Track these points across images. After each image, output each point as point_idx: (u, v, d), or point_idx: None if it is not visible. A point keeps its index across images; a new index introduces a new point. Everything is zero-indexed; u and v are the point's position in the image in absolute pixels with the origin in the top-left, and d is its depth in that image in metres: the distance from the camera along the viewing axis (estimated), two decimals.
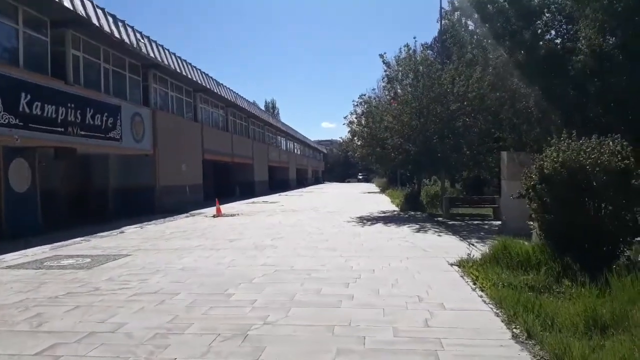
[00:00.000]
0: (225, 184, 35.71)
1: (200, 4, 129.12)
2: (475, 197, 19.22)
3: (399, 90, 18.86)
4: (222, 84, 29.86)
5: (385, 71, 18.68)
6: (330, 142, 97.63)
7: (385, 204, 24.98)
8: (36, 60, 13.60)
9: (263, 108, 68.40)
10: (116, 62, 18.03)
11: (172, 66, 21.54)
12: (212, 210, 19.70)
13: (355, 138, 19.45)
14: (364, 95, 19.44)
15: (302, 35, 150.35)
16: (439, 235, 12.08)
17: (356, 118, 19.32)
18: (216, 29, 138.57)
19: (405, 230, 13.23)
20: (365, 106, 19.27)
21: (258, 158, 40.13)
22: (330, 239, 11.45)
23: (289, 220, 16.20)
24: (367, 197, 33.51)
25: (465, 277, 7.13)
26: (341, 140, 19.77)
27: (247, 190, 36.81)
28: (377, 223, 15.16)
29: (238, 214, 19.14)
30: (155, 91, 21.51)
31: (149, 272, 7.85)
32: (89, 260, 9.10)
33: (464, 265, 7.77)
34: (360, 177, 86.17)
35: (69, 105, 14.33)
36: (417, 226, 14.13)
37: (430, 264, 8.17)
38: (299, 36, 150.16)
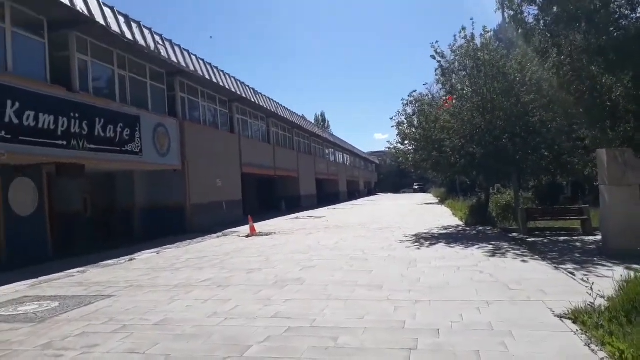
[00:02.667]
0: (270, 198, 33.76)
1: (245, 18, 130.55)
2: (557, 207, 15.78)
3: (456, 84, 15.86)
4: (260, 93, 27.92)
5: (438, 62, 15.73)
6: (383, 153, 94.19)
7: (446, 217, 21.80)
8: (30, 64, 11.92)
9: (313, 122, 66.54)
10: (134, 68, 16.28)
11: (201, 73, 19.68)
12: (248, 228, 17.46)
13: (406, 142, 16.58)
14: (415, 92, 16.57)
15: (353, 44, 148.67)
16: (523, 261, 9.05)
17: (406, 119, 16.46)
18: (265, 45, 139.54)
19: (476, 253, 10.26)
20: (417, 105, 16.38)
21: (304, 171, 37.92)
22: (375, 269, 8.73)
23: (329, 241, 13.60)
24: (424, 209, 30.30)
25: (592, 345, 4.27)
26: (390, 146, 16.74)
27: (294, 204, 34.62)
28: (437, 243, 12.24)
29: (274, 233, 16.76)
30: (184, 101, 19.69)
31: (112, 329, 5.51)
32: (56, 304, 6.93)
33: (582, 317, 4.88)
34: (416, 187, 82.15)
35: (72, 115, 12.54)
36: (491, 247, 11.10)
37: (526, 316, 5.30)
38: (349, 45, 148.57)
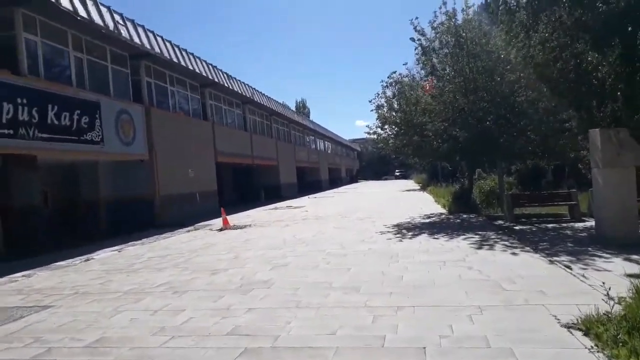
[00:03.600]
0: (249, 188, 32.68)
1: (220, 3, 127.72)
2: (544, 192, 15.12)
3: (437, 64, 15.00)
4: (235, 78, 26.68)
5: (417, 40, 14.80)
6: (365, 140, 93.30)
7: (428, 204, 21.09)
8: None
9: (294, 109, 65.15)
10: (93, 50, 15.02)
11: (168, 55, 18.43)
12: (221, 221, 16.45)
13: (386, 126, 15.69)
14: (395, 73, 15.64)
15: (334, 27, 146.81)
16: (514, 254, 8.29)
17: (386, 102, 15.57)
18: (242, 26, 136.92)
19: (463, 245, 9.47)
20: (397, 87, 15.50)
21: (284, 159, 36.88)
22: (354, 266, 7.87)
23: (307, 234, 12.72)
24: (405, 196, 29.62)
25: None
26: (369, 131, 15.84)
27: (274, 194, 33.64)
28: (421, 234, 11.44)
29: (249, 225, 15.81)
30: (150, 86, 18.45)
31: (33, 354, 4.56)
32: None
33: (594, 328, 4.09)
34: (398, 173, 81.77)
35: (18, 101, 11.34)
36: (477, 237, 10.34)
37: (527, 326, 4.48)
38: (330, 28, 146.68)
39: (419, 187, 39.39)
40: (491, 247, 9.11)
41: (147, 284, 7.57)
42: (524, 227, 11.95)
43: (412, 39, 14.81)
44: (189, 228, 16.11)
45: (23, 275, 8.97)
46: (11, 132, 11.12)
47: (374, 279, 6.86)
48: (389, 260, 8.19)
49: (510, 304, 5.24)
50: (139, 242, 13.19)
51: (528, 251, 8.42)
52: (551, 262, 7.39)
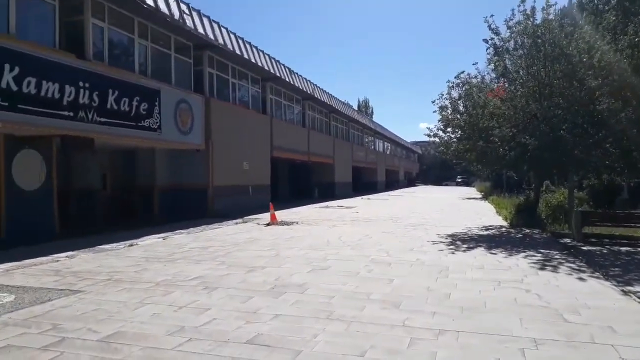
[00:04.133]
0: (303, 185, 32.55)
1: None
2: (620, 212, 13.67)
3: (509, 66, 13.91)
4: (296, 73, 26.50)
5: (490, 39, 13.79)
6: (427, 143, 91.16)
7: (488, 215, 19.87)
8: (36, 28, 11.02)
9: (356, 108, 64.42)
10: (157, 38, 15.23)
11: (231, 47, 18.45)
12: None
13: (449, 129, 14.76)
14: (463, 72, 14.67)
15: (401, 28, 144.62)
16: (580, 279, 7.33)
17: (450, 103, 14.63)
18: (308, 25, 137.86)
19: (522, 263, 8.57)
20: (464, 88, 14.52)
21: (340, 157, 36.42)
22: (397, 278, 7.25)
23: (353, 236, 12.18)
24: (465, 204, 28.27)
25: None
26: (429, 133, 14.96)
27: (328, 192, 33.31)
28: (476, 247, 10.57)
29: (297, 222, 15.48)
30: (212, 77, 18.55)
31: (45, 343, 4.38)
32: (11, 299, 5.92)
33: None
34: (459, 180, 78.94)
35: (80, 84, 11.58)
36: (539, 256, 9.36)
37: None
38: (397, 29, 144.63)
39: (480, 196, 37.64)
40: (554, 268, 8.16)
41: (181, 275, 7.35)
42: (594, 248, 10.76)
43: (485, 40, 13.85)
44: (237, 220, 16.03)
45: (67, 256, 9.08)
46: (71, 114, 11.37)
47: (418, 294, 6.23)
48: (438, 275, 7.49)
49: (572, 340, 4.46)
50: (186, 231, 13.19)
51: (597, 277, 7.43)
52: (624, 292, 6.42)
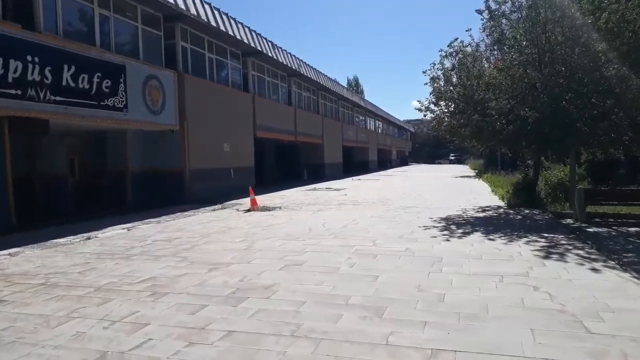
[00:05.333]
0: (291, 166, 31.37)
1: None
2: (627, 189, 12.71)
3: (506, 31, 12.73)
4: (281, 48, 25.08)
5: (485, 2, 12.59)
6: (420, 121, 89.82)
7: (484, 194, 18.88)
8: None
9: (345, 86, 62.81)
10: (121, 9, 13.85)
11: (205, 19, 17.05)
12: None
13: (441, 102, 13.61)
14: (456, 40, 13.46)
15: (391, 3, 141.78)
16: (593, 269, 6.33)
17: (443, 74, 13.46)
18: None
19: (525, 251, 7.56)
20: (458, 57, 13.33)
21: (329, 137, 35.21)
22: (383, 274, 6.20)
23: (338, 222, 11.12)
24: (459, 183, 27.29)
25: None
26: (420, 106, 13.79)
27: (317, 173, 32.22)
28: (473, 232, 9.55)
29: (279, 208, 14.41)
30: (185, 51, 17.19)
31: None
32: None
33: None
34: (452, 157, 78.02)
35: (29, 59, 10.30)
36: (543, 241, 8.35)
37: None
38: (387, 4, 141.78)
39: (474, 174, 36.68)
40: (562, 256, 7.15)
41: (130, 277, 6.26)
42: (600, 229, 9.77)
43: (478, 11, 12.69)
44: (215, 207, 14.92)
45: (9, 254, 7.95)
46: (19, 92, 10.12)
47: (406, 296, 5.19)
48: (430, 269, 6.45)
49: None
50: (156, 219, 12.08)
51: (612, 267, 6.43)
52: None
